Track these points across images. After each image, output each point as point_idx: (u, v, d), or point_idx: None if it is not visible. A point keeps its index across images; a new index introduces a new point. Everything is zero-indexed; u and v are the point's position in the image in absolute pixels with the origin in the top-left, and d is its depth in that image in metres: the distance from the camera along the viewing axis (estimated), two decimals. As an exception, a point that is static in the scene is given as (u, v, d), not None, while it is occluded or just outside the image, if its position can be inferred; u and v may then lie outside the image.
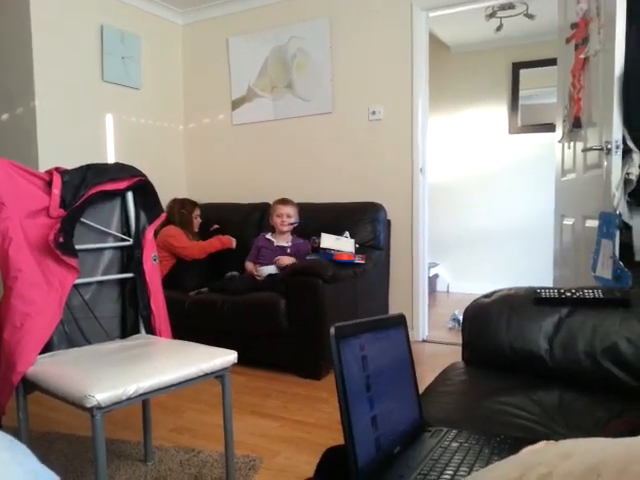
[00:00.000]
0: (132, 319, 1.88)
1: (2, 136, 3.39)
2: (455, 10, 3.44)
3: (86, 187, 1.72)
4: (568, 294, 1.38)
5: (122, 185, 1.84)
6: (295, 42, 3.82)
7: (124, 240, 1.89)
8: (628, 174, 2.03)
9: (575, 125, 2.48)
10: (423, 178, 3.54)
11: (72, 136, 3.49)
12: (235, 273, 3.33)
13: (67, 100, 3.46)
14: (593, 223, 2.22)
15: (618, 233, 2.00)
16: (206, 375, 1.52)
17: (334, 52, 3.70)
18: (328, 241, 3.01)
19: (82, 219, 1.75)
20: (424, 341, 3.59)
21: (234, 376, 1.82)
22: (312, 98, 3.80)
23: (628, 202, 2.06)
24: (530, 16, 3.99)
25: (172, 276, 3.28)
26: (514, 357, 1.35)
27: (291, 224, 3.25)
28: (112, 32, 3.71)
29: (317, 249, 3.02)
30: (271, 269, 3.12)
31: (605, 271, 2.04)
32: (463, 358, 1.50)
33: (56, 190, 1.66)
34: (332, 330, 0.69)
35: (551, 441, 0.60)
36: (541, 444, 0.64)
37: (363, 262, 3.04)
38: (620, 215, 2.01)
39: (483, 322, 1.44)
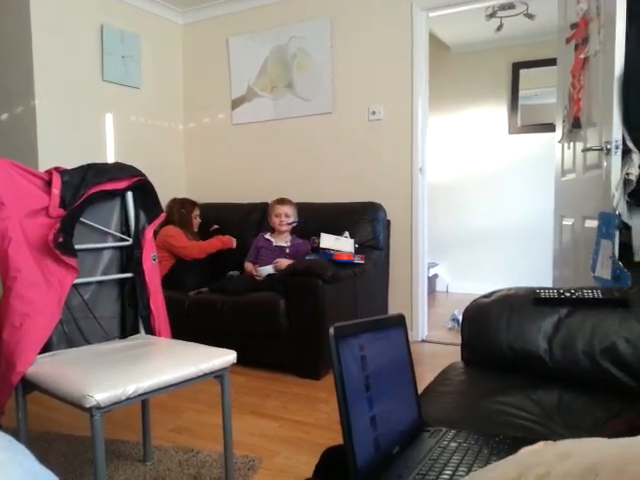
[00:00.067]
0: (131, 319, 1.88)
1: (2, 136, 3.39)
2: (455, 10, 3.44)
3: (86, 187, 1.72)
4: (567, 294, 1.38)
5: (122, 185, 1.84)
6: (295, 42, 3.82)
7: (124, 240, 1.89)
8: (628, 174, 2.03)
9: (575, 125, 2.48)
10: (423, 178, 3.54)
11: (72, 136, 3.49)
12: (236, 273, 3.33)
13: (67, 100, 3.46)
14: (592, 223, 2.23)
15: (617, 233, 2.00)
16: (205, 375, 1.52)
17: (334, 52, 3.70)
18: (328, 241, 3.01)
19: (82, 219, 1.75)
20: (423, 341, 3.59)
21: (234, 376, 1.82)
22: (312, 98, 3.80)
23: (628, 202, 2.06)
24: (530, 16, 3.99)
25: (172, 276, 3.28)
26: (513, 357, 1.36)
27: (290, 224, 3.25)
28: (112, 31, 3.71)
29: (317, 249, 3.02)
30: (270, 269, 3.12)
31: (604, 271, 2.04)
32: (462, 358, 1.50)
33: (56, 190, 1.66)
34: (331, 330, 0.69)
35: (549, 441, 0.60)
36: (539, 444, 0.64)
37: (362, 262, 3.04)
38: (619, 215, 2.01)
39: (482, 322, 1.44)
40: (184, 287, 3.22)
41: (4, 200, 1.56)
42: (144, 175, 1.91)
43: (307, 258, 3.03)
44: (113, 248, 1.89)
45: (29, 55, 3.24)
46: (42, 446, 2.04)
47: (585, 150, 2.35)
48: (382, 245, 3.38)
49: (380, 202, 3.44)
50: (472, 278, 5.19)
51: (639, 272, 1.96)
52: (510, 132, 5.04)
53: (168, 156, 4.29)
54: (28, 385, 1.49)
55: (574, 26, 2.49)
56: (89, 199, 1.73)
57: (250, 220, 3.71)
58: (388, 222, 3.50)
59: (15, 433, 1.52)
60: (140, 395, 1.36)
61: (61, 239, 1.60)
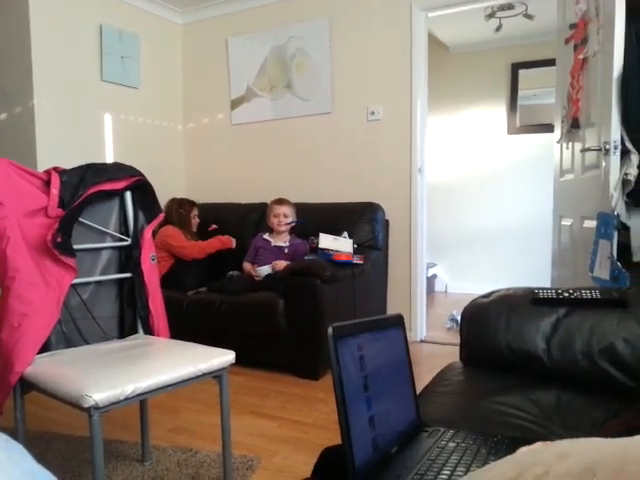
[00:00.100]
0: (130, 319, 1.88)
1: (1, 135, 3.38)
2: (454, 10, 3.44)
3: (84, 187, 1.72)
4: (566, 294, 1.38)
5: (120, 185, 1.84)
6: (294, 42, 3.82)
7: (122, 240, 1.89)
8: (626, 175, 2.03)
9: (573, 125, 2.49)
10: (421, 178, 3.54)
11: (71, 135, 3.49)
12: (236, 273, 3.34)
13: (66, 99, 3.46)
14: (591, 223, 2.23)
15: (616, 234, 2.00)
16: (204, 375, 1.52)
17: (333, 52, 3.70)
18: (326, 241, 3.01)
19: (80, 219, 1.75)
20: (422, 341, 3.59)
21: (232, 376, 1.82)
22: (311, 98, 3.80)
23: (626, 203, 2.06)
24: (529, 16, 4.00)
25: (171, 276, 3.28)
26: (512, 357, 1.36)
27: (288, 224, 3.25)
28: (111, 31, 3.71)
29: (315, 249, 3.02)
30: (269, 269, 3.12)
31: (603, 271, 2.04)
32: (461, 358, 1.50)
33: (54, 190, 1.66)
34: (330, 330, 0.69)
35: (547, 442, 0.60)
36: (537, 444, 0.64)
37: (361, 262, 3.04)
38: (618, 216, 2.01)
39: (481, 322, 1.44)
40: (183, 287, 3.22)
41: (2, 200, 1.56)
42: (143, 175, 1.90)
43: (306, 258, 3.03)
44: (112, 248, 1.89)
45: (28, 55, 3.24)
46: (40, 446, 2.03)
47: (584, 150, 2.35)
48: (381, 245, 3.38)
49: (379, 202, 3.45)
50: (471, 278, 5.20)
51: (637, 272, 1.97)
52: (509, 132, 5.04)
53: (167, 156, 4.29)
54: (26, 385, 1.49)
55: (573, 26, 2.49)
56: (88, 199, 1.73)
57: (249, 220, 3.71)
58: (387, 222, 3.50)
59: (13, 433, 1.52)
60: (138, 395, 1.36)
61: (60, 239, 1.60)
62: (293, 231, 3.33)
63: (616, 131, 2.04)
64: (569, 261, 2.64)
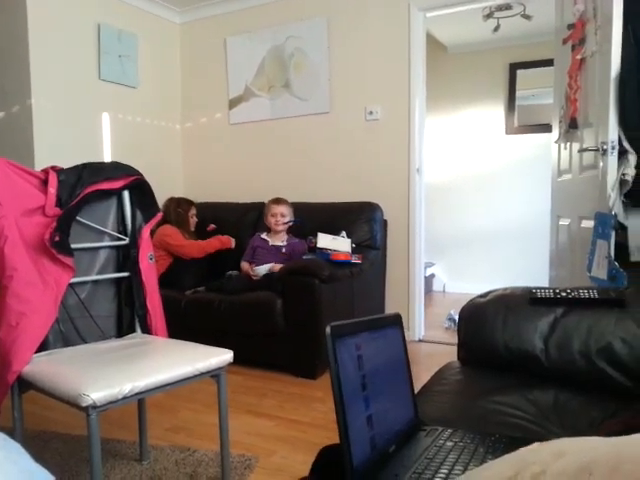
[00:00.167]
0: (128, 318, 1.88)
1: (-2, 134, 3.38)
2: (452, 10, 3.45)
3: (82, 186, 1.72)
4: (563, 294, 1.39)
5: (118, 184, 1.84)
6: (292, 41, 3.82)
7: (120, 239, 1.89)
8: (624, 175, 2.04)
9: (571, 126, 2.49)
10: (420, 178, 3.54)
11: (68, 135, 3.48)
12: (234, 272, 3.34)
13: (64, 98, 3.45)
14: (589, 223, 2.23)
15: (613, 234, 2.01)
16: (202, 374, 1.52)
17: (331, 52, 3.70)
18: (325, 241, 3.01)
19: (78, 218, 1.74)
20: (420, 341, 3.60)
21: (230, 376, 1.83)
22: (309, 98, 3.80)
23: (624, 203, 2.07)
24: (527, 17, 4.00)
25: (170, 275, 3.28)
26: (509, 357, 1.36)
27: (285, 223, 3.25)
28: (109, 30, 3.71)
29: (314, 249, 3.02)
30: (267, 269, 3.12)
31: (600, 271, 2.04)
32: (459, 358, 1.50)
33: (52, 189, 1.66)
34: (328, 329, 0.69)
35: (545, 442, 0.60)
36: (535, 445, 0.64)
37: (359, 262, 3.04)
38: (616, 216, 2.02)
39: (479, 322, 1.44)
40: (181, 286, 3.22)
41: (0, 199, 1.56)
42: (141, 174, 1.90)
43: (304, 258, 3.03)
44: (109, 247, 1.89)
45: (26, 54, 3.23)
46: (38, 445, 2.03)
47: (581, 150, 2.36)
48: (379, 245, 3.39)
49: (377, 202, 3.45)
50: (469, 278, 5.20)
51: (635, 272, 1.97)
52: (507, 132, 5.05)
53: (165, 155, 4.29)
54: (24, 384, 1.49)
55: (571, 27, 2.50)
56: (85, 198, 1.73)
57: (247, 220, 3.71)
58: (385, 222, 3.51)
59: (11, 432, 1.51)
60: (136, 394, 1.36)
61: (57, 238, 1.60)
62: (291, 230, 3.33)
63: (614, 131, 2.04)
64: (567, 261, 2.65)
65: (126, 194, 1.89)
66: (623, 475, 0.36)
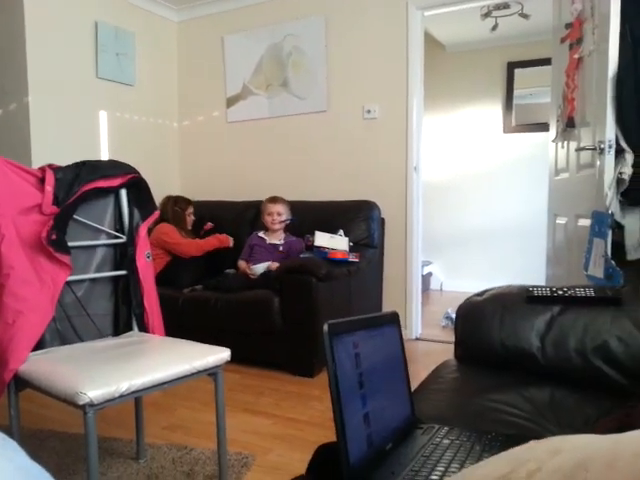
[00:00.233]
0: (125, 316, 1.88)
1: (-5, 132, 3.37)
2: (450, 9, 3.45)
3: (79, 184, 1.72)
4: (560, 292, 1.39)
5: (115, 182, 1.83)
6: (290, 40, 3.82)
7: (117, 237, 1.89)
8: (621, 174, 2.04)
9: (569, 125, 2.49)
10: (417, 177, 3.54)
11: (66, 133, 3.47)
12: (232, 271, 3.34)
13: (61, 96, 3.44)
14: (586, 222, 2.24)
15: (610, 232, 2.01)
16: (199, 372, 1.52)
17: (329, 50, 3.69)
18: (322, 239, 3.01)
19: (75, 216, 1.74)
20: (417, 339, 3.60)
21: (228, 374, 1.82)
22: (307, 96, 3.80)
23: (620, 201, 2.07)
24: (525, 16, 4.00)
25: (167, 273, 3.28)
26: (506, 355, 1.36)
27: (282, 222, 3.25)
28: (107, 28, 3.70)
29: (311, 247, 3.02)
30: (264, 267, 3.12)
31: (597, 270, 2.05)
32: (456, 356, 1.50)
33: (49, 187, 1.66)
34: (325, 327, 0.69)
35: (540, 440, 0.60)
36: (530, 443, 0.64)
37: (357, 260, 3.04)
38: (612, 214, 2.02)
39: (476, 320, 1.44)
40: (179, 285, 3.22)
41: (-3, 197, 1.56)
42: (138, 172, 1.90)
43: (302, 256, 3.03)
44: (106, 245, 1.89)
45: (23, 52, 3.22)
46: (34, 444, 2.03)
47: (579, 149, 2.36)
48: (376, 243, 3.39)
49: (375, 200, 3.45)
50: (466, 276, 5.21)
51: (631, 271, 1.98)
52: (505, 131, 5.05)
53: (162, 154, 4.28)
54: (21, 382, 1.49)
55: (569, 26, 2.50)
56: (82, 196, 1.73)
57: (244, 218, 3.71)
58: (382, 220, 3.51)
59: (7, 431, 1.51)
60: (133, 392, 1.36)
61: (54, 236, 1.60)
62: (288, 229, 3.33)
63: (611, 130, 2.05)
64: (564, 259, 2.65)
65: (123, 192, 1.89)
66: (619, 471, 0.37)
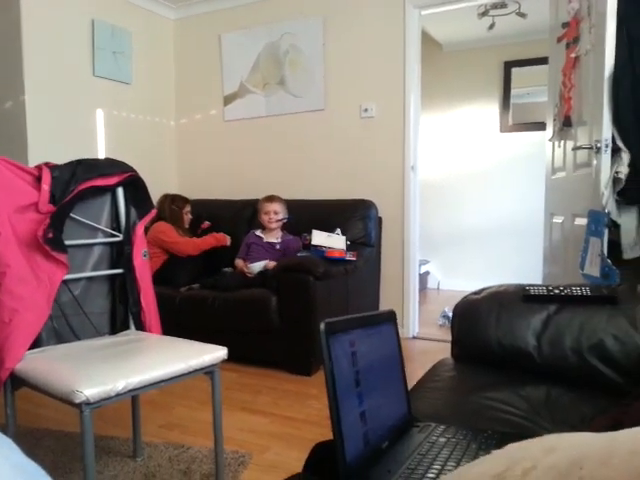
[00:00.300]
0: (122, 315, 1.88)
1: (-9, 130, 3.36)
2: (447, 8, 3.45)
3: (76, 182, 1.71)
4: (556, 291, 1.39)
5: (112, 181, 1.83)
6: (288, 38, 3.81)
7: (114, 236, 1.88)
8: (617, 173, 2.05)
9: (565, 124, 2.50)
10: (414, 176, 3.55)
11: (62, 131, 3.46)
12: (230, 269, 3.34)
13: (57, 95, 3.43)
14: (582, 221, 2.24)
15: (606, 231, 2.02)
16: (196, 371, 1.52)
17: (327, 49, 3.69)
18: (319, 238, 3.01)
19: (72, 214, 1.74)
20: (414, 338, 3.61)
21: (225, 373, 1.82)
22: (304, 95, 3.80)
23: (617, 201, 2.08)
24: (522, 15, 4.01)
25: (164, 272, 3.27)
26: (502, 353, 1.36)
27: (279, 220, 3.25)
28: (103, 27, 3.69)
29: (308, 246, 3.02)
30: (262, 266, 3.12)
31: (593, 269, 2.06)
32: (452, 354, 1.50)
33: (45, 185, 1.65)
34: (322, 326, 0.69)
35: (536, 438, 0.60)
36: (526, 441, 0.64)
37: (354, 259, 3.05)
38: (609, 213, 2.03)
39: (472, 319, 1.45)
40: (176, 283, 3.21)
41: (-7, 195, 1.55)
42: (135, 171, 1.90)
43: (299, 255, 3.03)
44: (103, 244, 1.88)
45: (19, 50, 3.21)
46: (31, 442, 2.03)
47: (575, 148, 2.37)
48: (374, 242, 3.39)
49: (372, 199, 3.45)
50: (463, 275, 5.22)
51: (627, 270, 1.99)
52: (502, 130, 5.06)
53: (159, 152, 4.27)
54: (17, 381, 1.49)
55: (565, 25, 2.50)
56: (79, 195, 1.72)
57: (242, 216, 3.71)
58: (380, 219, 3.51)
59: (3, 429, 1.51)
60: (130, 391, 1.36)
61: (51, 235, 1.59)
62: (285, 227, 3.33)
63: (607, 130, 2.05)
64: (560, 258, 2.66)
65: (120, 191, 1.88)
66: (613, 469, 0.37)
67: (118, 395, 1.33)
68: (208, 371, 1.56)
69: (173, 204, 3.54)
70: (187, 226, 3.59)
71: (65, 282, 1.72)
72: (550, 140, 2.85)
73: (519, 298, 1.43)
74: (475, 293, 1.53)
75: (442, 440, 0.82)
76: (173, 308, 3.03)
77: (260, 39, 3.92)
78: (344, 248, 3.04)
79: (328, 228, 3.14)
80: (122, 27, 3.83)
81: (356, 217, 3.34)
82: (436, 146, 5.30)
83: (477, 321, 1.43)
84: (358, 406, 0.73)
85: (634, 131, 2.03)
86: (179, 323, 2.92)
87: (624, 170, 2.03)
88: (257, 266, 3.13)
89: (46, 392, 1.36)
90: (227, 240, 3.52)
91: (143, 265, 1.87)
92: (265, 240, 3.24)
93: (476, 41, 4.95)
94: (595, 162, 2.11)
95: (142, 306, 1.85)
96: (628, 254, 2.09)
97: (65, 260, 1.64)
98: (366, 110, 3.59)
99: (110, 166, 1.85)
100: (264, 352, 2.93)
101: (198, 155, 4.33)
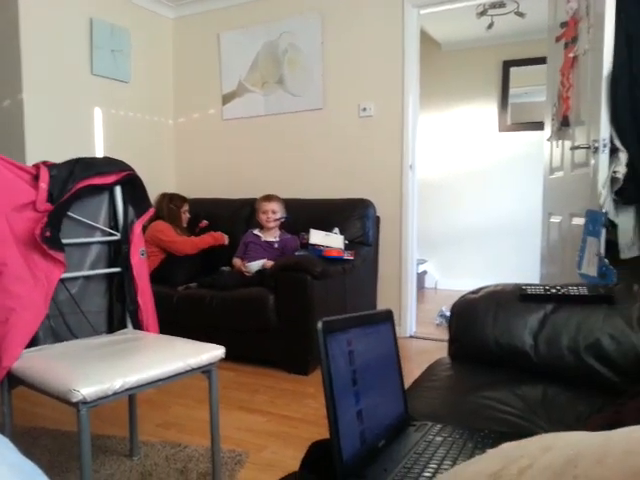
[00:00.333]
0: (119, 314, 1.88)
1: (-12, 128, 3.35)
2: (446, 7, 3.45)
3: (74, 181, 1.71)
4: (553, 291, 1.40)
5: (110, 179, 1.83)
6: (286, 37, 3.81)
7: (112, 235, 1.88)
8: (615, 172, 2.05)
9: (563, 123, 2.50)
10: (413, 175, 3.55)
11: (60, 130, 3.46)
12: (227, 268, 3.34)
13: (55, 93, 3.42)
14: (580, 221, 2.25)
15: (604, 231, 2.03)
16: (193, 370, 1.52)
17: (325, 48, 3.69)
18: (317, 237, 3.01)
19: (69, 213, 1.73)
20: (412, 337, 3.61)
21: (222, 371, 1.83)
22: (303, 94, 3.80)
23: (614, 200, 2.08)
24: (521, 14, 4.01)
25: (162, 271, 3.27)
26: (499, 352, 1.37)
27: (277, 220, 3.25)
28: (102, 25, 3.68)
29: (306, 245, 3.02)
30: (259, 265, 3.12)
31: (590, 268, 2.06)
32: (449, 354, 1.51)
33: (43, 184, 1.65)
34: (319, 324, 0.69)
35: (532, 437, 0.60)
36: (522, 440, 0.64)
37: (352, 258, 3.05)
38: (606, 213, 2.03)
39: (470, 318, 1.45)
40: (174, 282, 3.21)
41: (-10, 193, 1.55)
42: (133, 170, 1.89)
43: (297, 254, 3.03)
44: (101, 243, 1.88)
45: (17, 48, 3.20)
46: (27, 441, 2.02)
47: (573, 148, 2.37)
48: (371, 241, 3.39)
49: (370, 198, 3.45)
50: (461, 275, 5.22)
51: (625, 269, 1.99)
52: (500, 130, 5.07)
53: (158, 151, 4.27)
54: (14, 380, 1.48)
55: (564, 25, 2.51)
56: (77, 193, 1.72)
57: (240, 216, 3.71)
58: (378, 219, 3.51)
59: (0, 428, 1.51)
60: (127, 390, 1.36)
61: (48, 233, 1.59)
62: (283, 226, 3.33)
63: (605, 129, 2.06)
64: (558, 258, 2.66)
65: (118, 189, 1.88)
66: (608, 468, 0.37)
67: (115, 394, 1.32)
68: (205, 370, 1.56)
69: (171, 203, 3.54)
70: (185, 225, 3.59)
71: (62, 281, 1.71)
72: (548, 140, 2.85)
73: (516, 297, 1.43)
74: (472, 292, 1.54)
75: (438, 439, 0.82)
76: (171, 307, 3.03)
77: (259, 38, 3.92)
78: (342, 247, 3.04)
79: (326, 227, 3.15)
80: (121, 26, 3.82)
81: (354, 216, 3.34)
82: (434, 145, 5.30)
83: (474, 320, 1.43)
84: (355, 405, 0.73)
85: (631, 131, 2.04)
86: (177, 322, 2.92)
87: (622, 170, 2.04)
88: (255, 265, 3.13)
89: (43, 391, 1.36)
90: (225, 239, 3.52)
91: (141, 264, 1.87)
92: (263, 239, 3.24)
93: (475, 40, 4.96)
94: (593, 162, 2.12)
95: (139, 305, 1.85)
96: (625, 254, 2.09)
97: (62, 259, 1.64)
98: (364, 109, 3.59)
99: (108, 165, 1.84)
100: (261, 351, 2.93)
101: (196, 154, 4.32)
